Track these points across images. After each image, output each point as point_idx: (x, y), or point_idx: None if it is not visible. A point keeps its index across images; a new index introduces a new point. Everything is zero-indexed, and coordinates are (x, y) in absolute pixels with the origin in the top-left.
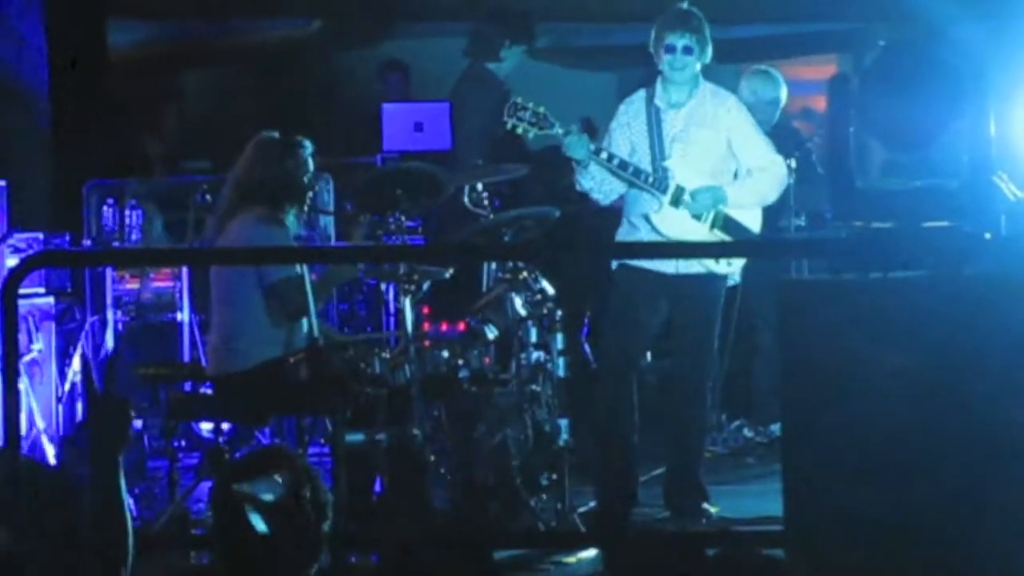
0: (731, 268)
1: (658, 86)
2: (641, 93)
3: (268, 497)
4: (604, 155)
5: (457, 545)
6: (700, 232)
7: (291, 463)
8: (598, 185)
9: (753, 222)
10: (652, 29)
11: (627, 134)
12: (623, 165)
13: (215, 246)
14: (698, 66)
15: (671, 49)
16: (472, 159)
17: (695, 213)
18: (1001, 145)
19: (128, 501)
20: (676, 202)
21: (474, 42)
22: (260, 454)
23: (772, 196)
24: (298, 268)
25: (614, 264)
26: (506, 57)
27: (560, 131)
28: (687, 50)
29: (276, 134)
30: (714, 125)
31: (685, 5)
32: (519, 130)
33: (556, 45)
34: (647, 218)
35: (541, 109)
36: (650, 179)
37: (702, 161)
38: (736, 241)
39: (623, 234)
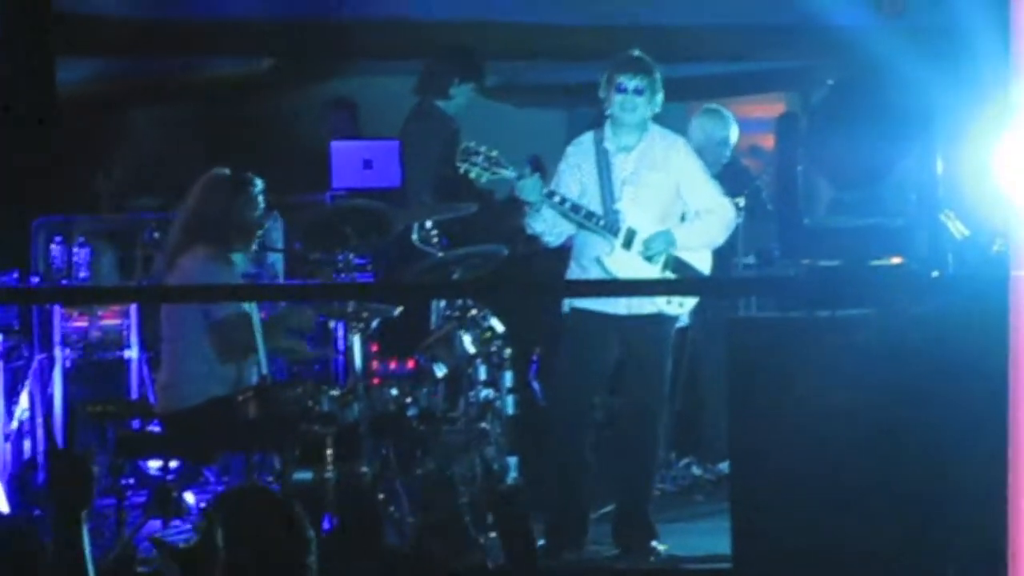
0: (682, 309)
1: (607, 129)
2: (589, 135)
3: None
4: (557, 198)
5: None
6: (652, 274)
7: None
8: (550, 228)
9: (703, 263)
10: (604, 73)
11: (577, 176)
12: (575, 208)
13: (164, 283)
14: (648, 111)
15: (622, 89)
16: (421, 197)
17: (647, 256)
18: (948, 184)
19: (89, 556)
20: (628, 244)
21: (423, 80)
22: (237, 495)
23: (720, 239)
24: (245, 307)
25: (566, 308)
26: (456, 95)
27: (513, 174)
28: (638, 91)
29: (227, 172)
30: (664, 168)
31: (637, 52)
32: (472, 174)
33: (506, 83)
34: (599, 260)
35: (494, 153)
36: (601, 222)
37: (652, 204)
38: (684, 279)
39: (573, 277)
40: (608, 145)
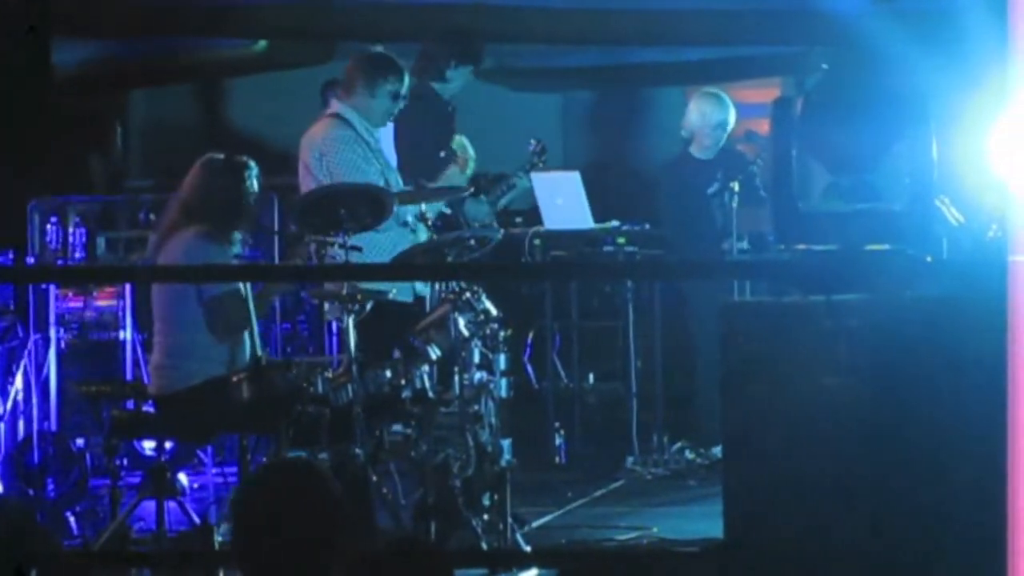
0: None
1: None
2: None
3: None
4: None
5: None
6: None
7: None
8: None
9: None
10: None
11: None
12: None
13: (155, 264)
14: None
15: None
16: (415, 179)
17: None
18: (943, 169)
19: None
20: None
21: (420, 62)
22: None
23: None
24: (239, 285)
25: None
26: (452, 78)
27: None
28: None
29: (221, 156)
30: None
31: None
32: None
33: (501, 66)
34: None
35: None
36: None
37: None
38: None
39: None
40: None
